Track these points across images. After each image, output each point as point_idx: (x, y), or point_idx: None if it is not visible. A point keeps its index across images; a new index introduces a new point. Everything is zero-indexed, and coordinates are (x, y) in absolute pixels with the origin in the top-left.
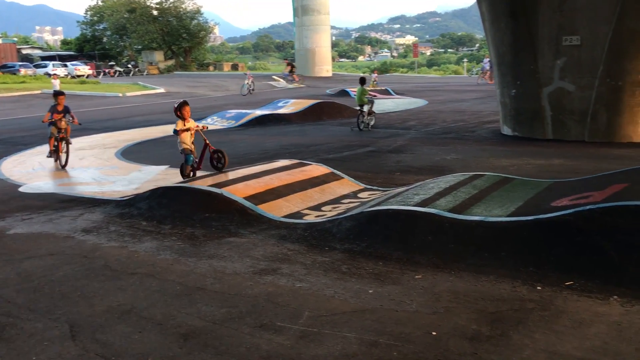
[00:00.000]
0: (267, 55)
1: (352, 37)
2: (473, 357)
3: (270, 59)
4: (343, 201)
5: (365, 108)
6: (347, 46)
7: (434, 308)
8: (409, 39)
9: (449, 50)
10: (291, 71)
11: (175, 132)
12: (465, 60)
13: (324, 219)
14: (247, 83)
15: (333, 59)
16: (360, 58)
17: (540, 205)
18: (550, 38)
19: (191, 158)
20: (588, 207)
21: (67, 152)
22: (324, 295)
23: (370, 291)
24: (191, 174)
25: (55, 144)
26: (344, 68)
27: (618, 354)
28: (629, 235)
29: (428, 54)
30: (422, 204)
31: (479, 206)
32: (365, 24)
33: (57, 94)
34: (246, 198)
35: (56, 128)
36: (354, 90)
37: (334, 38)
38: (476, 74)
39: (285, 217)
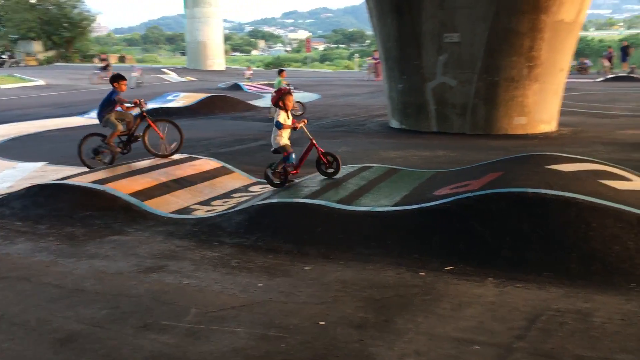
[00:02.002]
0: (158, 48)
1: (245, 31)
2: (359, 344)
3: (160, 52)
4: (234, 195)
5: None
6: (241, 40)
7: (323, 298)
8: (302, 34)
9: (341, 45)
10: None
11: (280, 125)
12: (356, 55)
13: (214, 214)
14: (136, 76)
15: (226, 52)
16: (254, 52)
17: (423, 195)
18: (432, 35)
19: (293, 157)
20: (466, 195)
21: None
22: (212, 291)
23: (260, 284)
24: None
25: None
26: (237, 62)
27: (492, 332)
28: (503, 220)
29: (321, 49)
30: (312, 196)
31: (366, 197)
32: (258, 19)
33: None
34: (132, 194)
35: None
36: (247, 84)
37: (227, 31)
38: (366, 69)
39: (173, 213)
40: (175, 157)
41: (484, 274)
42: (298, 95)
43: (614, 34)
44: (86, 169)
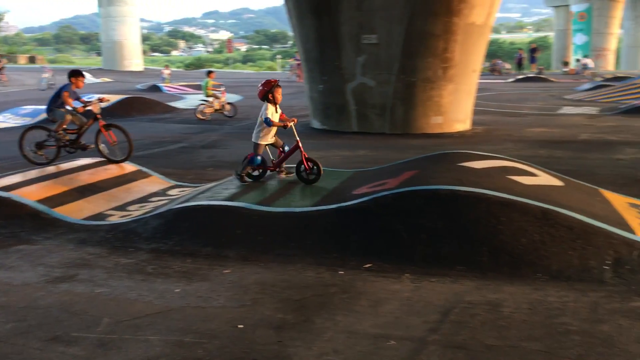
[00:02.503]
0: (71, 48)
1: (165, 31)
2: (278, 345)
3: (74, 52)
4: (151, 199)
5: (214, 99)
6: (160, 40)
7: (242, 301)
8: (224, 35)
9: (263, 46)
10: None
11: (269, 122)
12: (279, 56)
13: (129, 219)
14: (46, 77)
15: (144, 52)
16: (174, 52)
17: (343, 194)
18: (351, 36)
19: (259, 159)
20: (383, 193)
21: None
22: (126, 299)
23: (177, 290)
24: (253, 176)
25: None
26: (156, 62)
27: (407, 327)
28: (418, 217)
29: (243, 49)
30: (231, 198)
31: (287, 198)
32: (178, 18)
33: None
34: (40, 201)
35: None
36: (166, 85)
37: (145, 31)
38: (289, 70)
39: (86, 219)
40: (88, 161)
41: (401, 270)
42: (228, 96)
43: (524, 37)
44: None
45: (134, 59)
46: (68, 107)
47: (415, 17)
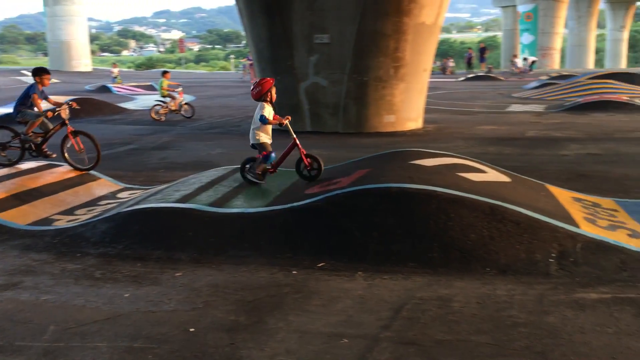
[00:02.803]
0: (16, 48)
1: (114, 30)
2: (230, 347)
3: (20, 52)
4: (100, 203)
5: (170, 100)
6: (110, 40)
7: (193, 304)
8: (176, 34)
9: (216, 46)
10: None
11: (265, 121)
12: (232, 56)
13: (77, 223)
14: None
15: (93, 52)
16: (125, 52)
17: (295, 194)
18: (303, 35)
19: (273, 156)
20: (335, 192)
21: None
22: (73, 305)
23: (126, 295)
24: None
25: None
26: (106, 62)
27: (360, 325)
28: (370, 215)
29: (196, 49)
30: (183, 199)
31: (239, 198)
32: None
33: None
34: None
35: None
36: (116, 86)
37: (93, 31)
38: (242, 70)
39: (30, 224)
40: (32, 164)
41: (354, 268)
42: (185, 97)
43: (474, 37)
44: None
45: (82, 59)
46: (37, 110)
47: (366, 16)
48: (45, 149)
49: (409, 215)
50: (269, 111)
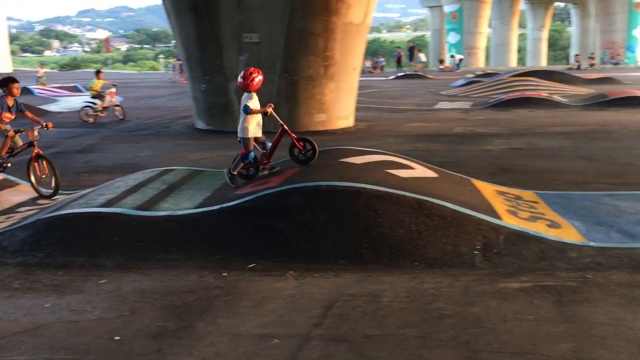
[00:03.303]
0: None
1: (36, 30)
2: (157, 354)
3: None
4: (19, 210)
5: (100, 101)
6: (31, 40)
7: (119, 311)
8: (102, 34)
9: (145, 46)
10: None
11: (248, 111)
12: (162, 56)
13: None
14: None
15: (14, 53)
16: (47, 52)
17: (225, 195)
18: (232, 35)
19: (252, 155)
20: (266, 192)
21: None
22: None
23: (47, 305)
24: (251, 171)
25: None
26: (28, 63)
27: (291, 324)
28: (301, 214)
29: (123, 49)
30: (107, 204)
31: (167, 201)
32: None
33: None
34: None
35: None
36: (38, 87)
37: (14, 30)
38: (172, 70)
39: None
40: None
41: (285, 268)
42: (116, 98)
43: (403, 36)
44: None
45: (2, 60)
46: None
47: (295, 16)
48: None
49: (339, 212)
50: (255, 102)
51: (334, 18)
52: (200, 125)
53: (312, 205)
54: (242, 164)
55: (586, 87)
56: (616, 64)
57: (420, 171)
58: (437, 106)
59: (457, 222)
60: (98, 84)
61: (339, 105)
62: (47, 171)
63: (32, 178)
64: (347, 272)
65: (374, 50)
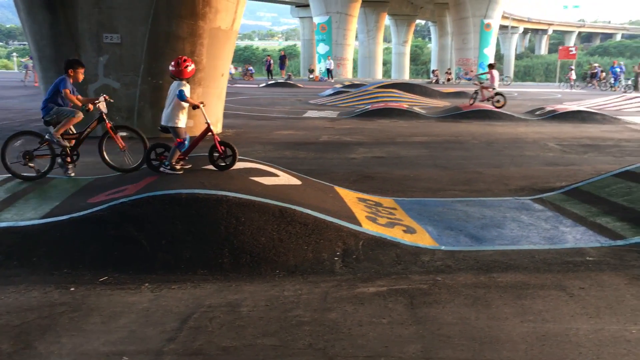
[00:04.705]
0: None
1: None
2: None
3: None
4: None
5: None
6: None
7: None
8: None
9: None
10: None
11: (182, 96)
12: (15, 54)
13: None
14: None
15: None
16: None
17: (76, 204)
18: (91, 34)
19: (187, 144)
20: (120, 200)
21: None
22: None
23: None
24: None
25: None
26: None
27: (143, 339)
28: (159, 223)
29: None
30: None
31: (9, 211)
32: None
33: None
34: None
35: None
36: None
37: None
38: (25, 70)
39: None
40: None
41: (140, 280)
42: None
43: (275, 45)
44: None
45: None
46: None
47: (159, 18)
48: (74, 158)
49: (199, 221)
50: (188, 89)
51: (201, 22)
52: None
53: (171, 213)
54: (178, 153)
55: (443, 99)
56: (469, 79)
57: (284, 179)
58: (305, 115)
59: (319, 229)
60: None
61: (207, 112)
62: (125, 144)
63: (106, 155)
64: (206, 282)
65: (245, 58)
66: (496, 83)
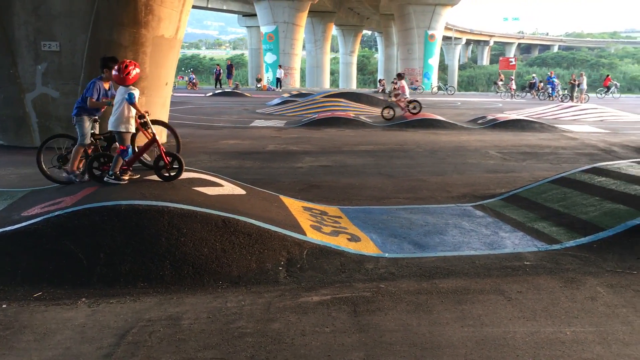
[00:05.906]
0: None
1: None
2: None
3: None
4: None
5: None
6: None
7: None
8: None
9: None
10: None
11: (133, 100)
12: None
13: None
14: None
15: None
16: None
17: (10, 217)
18: (28, 42)
19: (130, 152)
20: (56, 213)
21: None
22: None
23: None
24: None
25: None
26: None
27: (79, 357)
28: (97, 236)
29: None
30: None
31: None
32: None
33: None
34: None
35: None
36: None
37: None
38: None
39: None
40: None
41: (77, 295)
42: None
43: (223, 54)
44: None
45: None
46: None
47: (100, 25)
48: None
49: (139, 233)
50: (138, 93)
51: (144, 31)
52: None
53: (109, 225)
54: (121, 162)
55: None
56: (415, 89)
57: (228, 188)
58: (252, 124)
59: (263, 239)
60: None
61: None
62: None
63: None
64: (147, 295)
65: (193, 66)
66: (407, 92)
